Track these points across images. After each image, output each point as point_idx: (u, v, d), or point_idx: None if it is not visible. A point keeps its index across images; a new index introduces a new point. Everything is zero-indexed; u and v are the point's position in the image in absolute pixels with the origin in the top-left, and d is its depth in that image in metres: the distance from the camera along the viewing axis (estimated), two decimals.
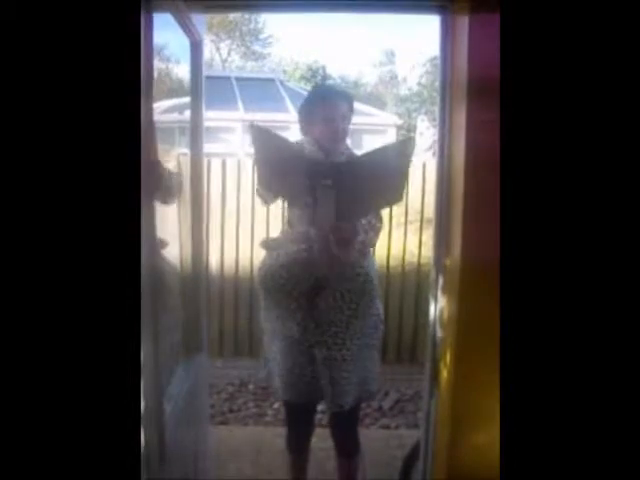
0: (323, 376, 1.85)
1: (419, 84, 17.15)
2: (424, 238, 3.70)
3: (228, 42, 22.61)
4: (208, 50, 20.34)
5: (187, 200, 1.88)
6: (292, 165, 1.72)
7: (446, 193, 1.55)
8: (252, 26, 22.79)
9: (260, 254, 2.00)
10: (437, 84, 1.64)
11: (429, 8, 1.61)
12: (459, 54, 1.45)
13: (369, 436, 2.64)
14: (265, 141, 1.77)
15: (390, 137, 10.94)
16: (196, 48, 1.82)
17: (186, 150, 1.90)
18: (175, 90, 1.98)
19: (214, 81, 9.55)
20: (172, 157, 1.83)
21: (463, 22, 1.40)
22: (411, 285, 3.75)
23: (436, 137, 1.67)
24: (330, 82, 17.58)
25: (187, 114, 1.90)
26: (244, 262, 3.77)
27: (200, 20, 1.80)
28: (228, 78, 11.83)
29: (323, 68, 18.15)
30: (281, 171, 1.74)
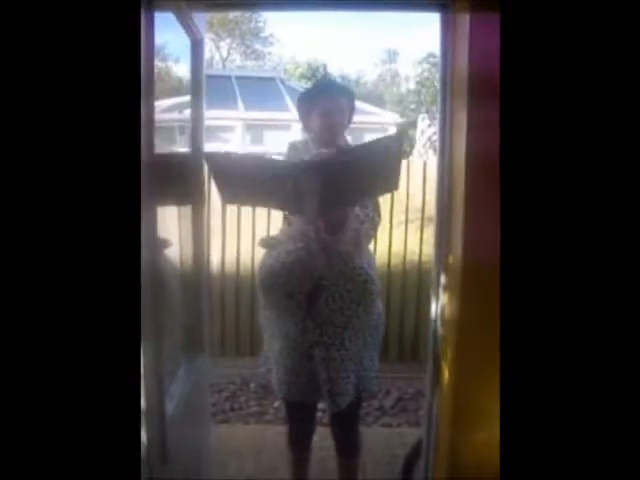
0: (322, 376, 1.84)
1: (420, 83, 17.16)
2: (425, 236, 3.70)
3: (228, 41, 22.61)
4: (208, 49, 20.32)
5: (188, 200, 1.88)
6: (264, 177, 1.65)
7: (447, 191, 1.54)
8: (252, 25, 22.78)
9: (261, 252, 1.99)
10: (437, 82, 1.64)
11: (430, 6, 1.61)
12: (460, 52, 1.44)
13: (371, 435, 2.64)
14: (227, 165, 1.72)
15: None
16: (197, 47, 1.82)
17: (186, 149, 1.90)
18: (175, 89, 1.98)
19: (214, 80, 9.55)
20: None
21: (464, 20, 1.40)
22: (412, 283, 3.75)
23: (435, 135, 1.67)
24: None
25: (187, 113, 1.90)
26: (245, 261, 3.76)
27: (201, 19, 1.80)
28: (228, 77, 11.84)
29: (324, 67, 18.15)
30: (255, 188, 1.68)
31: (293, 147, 1.96)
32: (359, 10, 2.00)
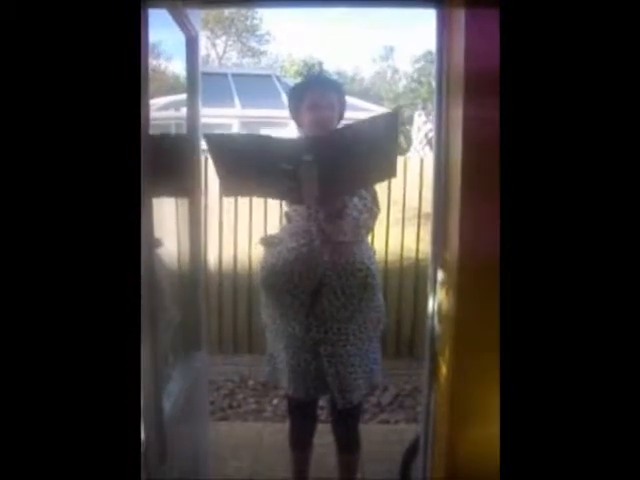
0: (329, 373, 1.85)
1: (416, 79, 17.14)
2: (422, 233, 3.70)
3: (224, 38, 22.56)
4: (204, 47, 20.29)
5: (185, 197, 1.88)
6: (263, 156, 1.61)
7: (443, 188, 1.54)
8: (249, 22, 22.74)
9: (259, 250, 1.99)
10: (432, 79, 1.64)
11: (425, 2, 1.60)
12: (456, 48, 1.44)
13: (368, 431, 2.64)
14: (227, 145, 1.69)
15: None
16: (192, 44, 1.82)
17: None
18: (171, 87, 1.97)
19: (210, 77, 9.53)
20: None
21: (459, 16, 1.40)
22: (410, 280, 3.75)
23: (432, 132, 1.67)
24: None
25: (184, 111, 1.89)
26: (243, 258, 3.76)
27: (195, 15, 1.79)
28: (225, 74, 11.80)
29: (320, 64, 18.11)
30: (255, 168, 1.63)
31: None
32: (355, 6, 2.00)
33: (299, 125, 1.93)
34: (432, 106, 1.70)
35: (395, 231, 3.78)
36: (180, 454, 1.64)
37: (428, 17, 1.58)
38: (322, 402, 2.10)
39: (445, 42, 1.51)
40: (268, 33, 23.21)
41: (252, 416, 3.12)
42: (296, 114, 1.90)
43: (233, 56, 23.07)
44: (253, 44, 23.25)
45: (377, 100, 18.02)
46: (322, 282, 1.81)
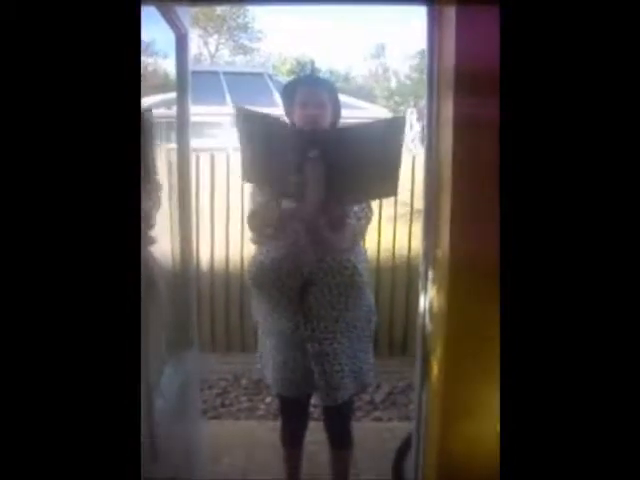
0: (316, 371, 1.85)
1: (408, 77, 17.15)
2: (414, 230, 3.70)
3: (216, 37, 22.48)
4: (197, 45, 20.22)
5: (175, 196, 1.87)
6: (279, 141, 1.64)
7: (435, 185, 1.54)
8: (240, 20, 22.66)
9: (250, 248, 1.99)
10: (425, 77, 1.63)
11: None
12: (446, 46, 1.44)
13: (361, 429, 2.64)
14: (252, 122, 1.71)
15: None
16: (182, 42, 1.81)
17: (174, 145, 1.89)
18: (162, 85, 1.97)
19: (202, 76, 9.48)
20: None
21: (450, 13, 1.40)
22: (402, 278, 3.76)
23: (424, 129, 1.66)
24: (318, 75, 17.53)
25: (174, 109, 1.89)
26: (234, 256, 3.76)
27: (185, 13, 1.79)
28: (216, 73, 11.75)
29: (312, 62, 18.10)
30: (267, 151, 1.66)
31: None
32: (346, 4, 1.99)
33: (292, 122, 1.93)
34: (423, 103, 1.69)
35: (387, 229, 3.78)
36: (173, 452, 1.64)
37: (422, 14, 1.58)
38: (315, 400, 2.09)
39: (436, 39, 1.51)
40: (260, 31, 23.17)
41: (245, 414, 3.12)
42: (289, 111, 1.90)
43: (225, 54, 23.00)
44: (245, 42, 23.18)
45: (370, 98, 18.02)
46: (309, 280, 1.81)
